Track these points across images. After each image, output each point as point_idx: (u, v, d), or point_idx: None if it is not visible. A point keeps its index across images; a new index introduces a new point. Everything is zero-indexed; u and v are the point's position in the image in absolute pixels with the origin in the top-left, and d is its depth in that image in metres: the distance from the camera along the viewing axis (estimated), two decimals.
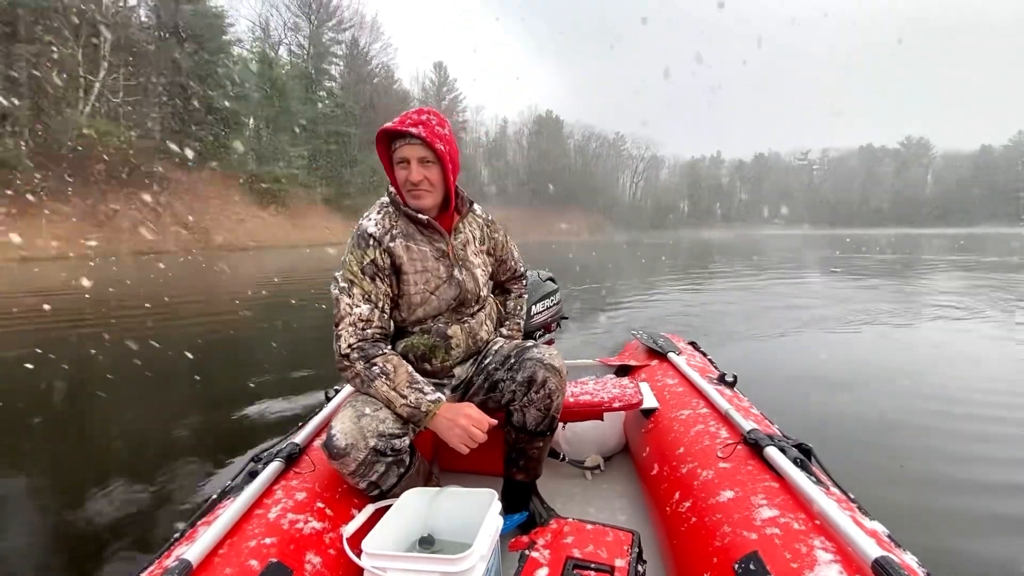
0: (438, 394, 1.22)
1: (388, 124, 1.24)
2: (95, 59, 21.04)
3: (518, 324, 1.63)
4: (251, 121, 29.07)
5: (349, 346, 1.21)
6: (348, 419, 1.14)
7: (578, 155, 71.91)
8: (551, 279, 2.36)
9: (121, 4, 22.26)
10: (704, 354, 2.23)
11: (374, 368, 1.20)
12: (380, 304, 1.26)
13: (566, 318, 2.52)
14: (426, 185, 1.26)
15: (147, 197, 20.90)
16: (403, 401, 1.17)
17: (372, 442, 1.13)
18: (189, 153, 23.44)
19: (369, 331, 1.23)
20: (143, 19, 24.35)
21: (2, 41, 17.95)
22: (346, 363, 1.22)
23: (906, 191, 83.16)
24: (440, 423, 1.19)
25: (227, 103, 26.33)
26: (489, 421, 1.22)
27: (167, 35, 23.92)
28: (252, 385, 3.47)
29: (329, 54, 39.44)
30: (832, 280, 11.27)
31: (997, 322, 5.76)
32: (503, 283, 1.63)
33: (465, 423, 1.18)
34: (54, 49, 18.93)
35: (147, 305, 7.23)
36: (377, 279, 1.26)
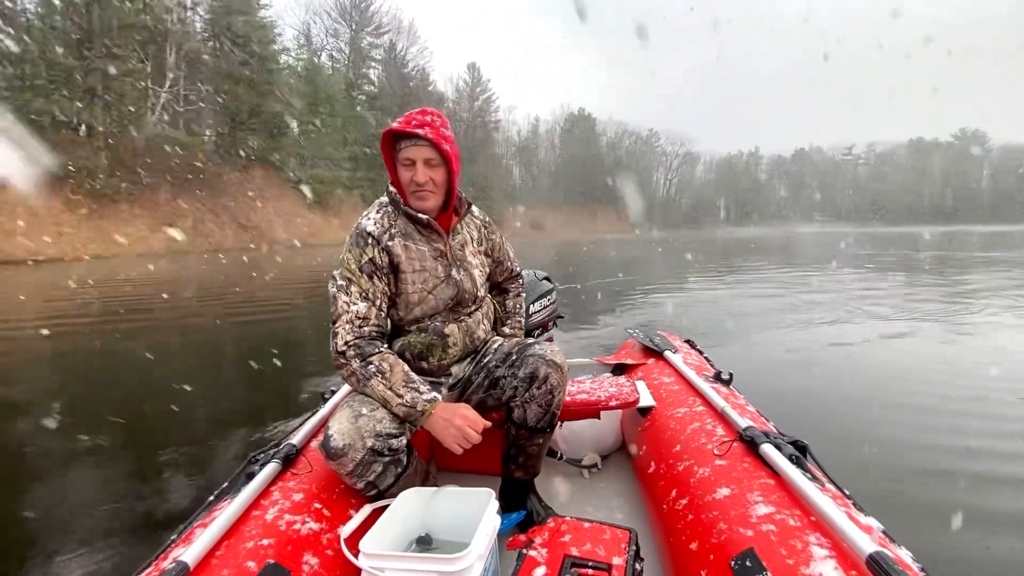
0: (434, 393, 1.22)
1: (394, 125, 1.24)
2: (162, 71, 23.03)
3: (519, 322, 1.63)
4: (297, 125, 30.09)
5: (346, 343, 1.21)
6: (345, 419, 1.14)
7: (610, 152, 71.12)
8: (547, 279, 2.36)
9: (183, 20, 24.12)
10: (700, 352, 2.24)
11: (370, 367, 1.19)
12: (377, 302, 1.26)
13: (562, 317, 2.53)
14: (431, 186, 1.27)
15: (208, 198, 22.83)
16: (399, 400, 1.17)
17: (369, 442, 1.12)
18: (242, 157, 25.81)
19: (366, 329, 1.23)
20: (199, 31, 26.08)
21: (81, 58, 19.66)
22: (342, 361, 1.22)
23: (960, 186, 77.98)
24: (436, 423, 1.19)
25: (276, 108, 28.09)
26: (484, 423, 1.22)
27: (221, 46, 25.59)
28: None
29: (368, 58, 40.74)
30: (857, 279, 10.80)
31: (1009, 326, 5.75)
32: (500, 283, 1.64)
33: (460, 423, 1.18)
34: (129, 63, 21.18)
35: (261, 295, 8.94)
36: (375, 277, 1.26)
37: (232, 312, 7.47)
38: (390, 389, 1.18)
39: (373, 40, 41.32)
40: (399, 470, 1.21)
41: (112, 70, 20.36)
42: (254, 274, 12.88)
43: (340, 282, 1.25)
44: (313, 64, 35.54)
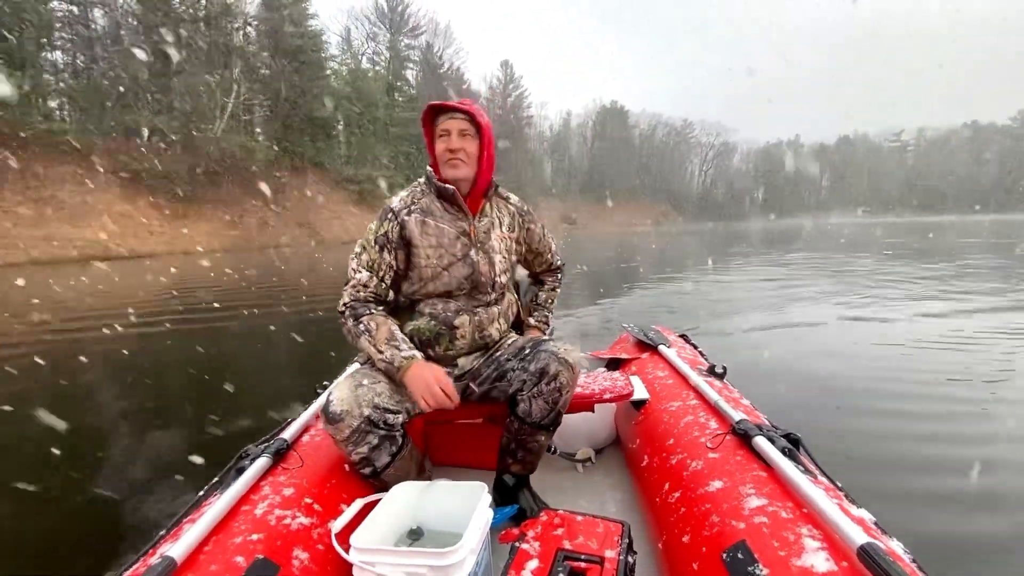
0: (414, 352, 1.28)
1: (434, 102, 1.36)
2: (227, 83, 25.60)
3: (546, 316, 1.67)
4: (344, 128, 32.20)
5: (344, 304, 1.34)
6: (346, 388, 1.21)
7: (644, 144, 70.11)
8: (560, 268, 2.36)
9: (247, 35, 27.09)
10: (695, 346, 2.24)
11: (360, 325, 1.29)
12: (381, 273, 1.35)
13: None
14: (463, 155, 1.34)
15: (269, 199, 25.06)
16: (380, 356, 1.26)
17: (366, 411, 1.18)
18: (296, 159, 28.33)
19: (362, 294, 1.34)
20: (255, 44, 28.46)
21: (160, 75, 22.53)
22: (341, 320, 1.34)
23: (1020, 172, 72.32)
24: (411, 377, 1.24)
25: (325, 114, 30.02)
26: (454, 396, 1.24)
27: (276, 57, 27.84)
28: None
29: (405, 60, 42.18)
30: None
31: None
32: (539, 274, 1.69)
33: (431, 380, 1.22)
34: (201, 78, 23.72)
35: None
36: (385, 251, 1.35)
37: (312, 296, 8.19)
38: (374, 346, 1.27)
39: (409, 42, 43.00)
40: (394, 449, 1.24)
41: (187, 85, 23.19)
42: (325, 264, 14.62)
43: (357, 249, 1.38)
44: (358, 69, 37.83)
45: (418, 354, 1.28)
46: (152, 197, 20.95)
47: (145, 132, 21.48)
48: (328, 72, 32.41)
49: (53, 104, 20.48)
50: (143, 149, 21.31)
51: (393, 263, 1.36)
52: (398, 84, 40.22)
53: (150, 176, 20.91)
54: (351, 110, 32.58)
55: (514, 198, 1.53)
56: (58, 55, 21.40)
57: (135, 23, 23.02)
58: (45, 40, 20.33)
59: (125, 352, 4.69)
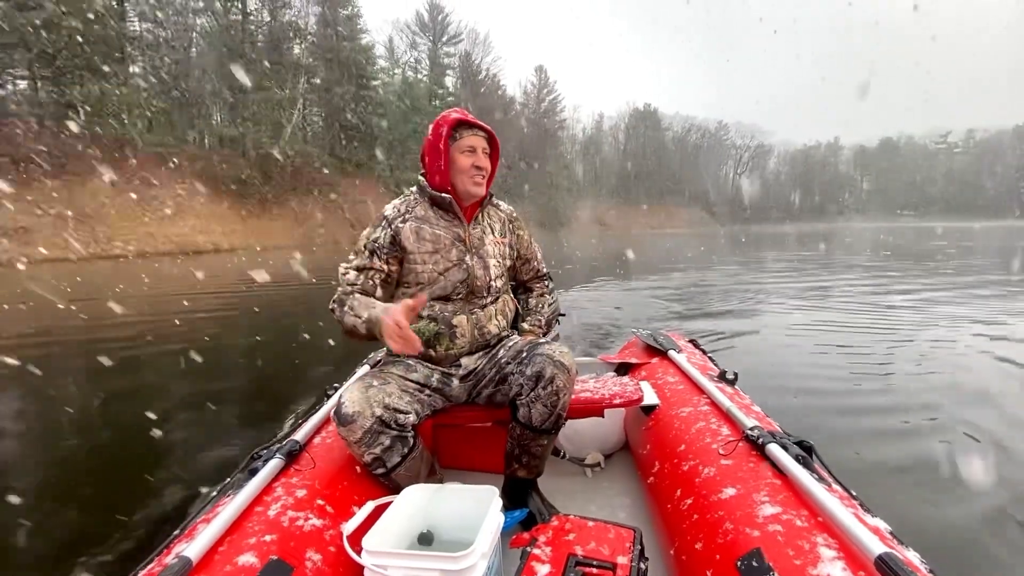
0: (387, 305, 1.27)
1: (457, 115, 1.41)
2: (293, 97, 29.01)
3: (539, 320, 1.67)
4: (388, 135, 33.75)
5: (334, 301, 1.39)
6: (356, 390, 1.24)
7: (677, 147, 69.54)
8: (547, 276, 2.35)
9: (312, 52, 30.26)
10: (704, 352, 2.23)
11: (344, 307, 1.34)
12: (369, 274, 1.40)
13: (563, 315, 2.52)
14: (485, 173, 1.43)
15: (328, 201, 27.91)
16: (361, 320, 1.28)
17: (378, 412, 1.20)
18: (347, 166, 30.89)
19: (349, 289, 1.39)
20: (313, 58, 31.58)
21: (239, 92, 25.91)
22: (333, 315, 1.39)
23: None
24: (382, 326, 1.22)
25: (375, 122, 32.67)
26: (412, 338, 1.18)
27: (332, 71, 30.73)
28: None
29: (445, 67, 43.82)
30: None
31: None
32: (526, 282, 1.70)
33: (390, 321, 1.18)
34: (272, 92, 27.16)
35: None
36: (375, 256, 1.40)
37: None
38: (355, 315, 1.30)
39: (448, 50, 44.29)
40: (405, 450, 1.25)
41: (260, 99, 26.60)
42: None
43: (350, 256, 1.43)
44: (404, 79, 39.73)
45: (391, 306, 1.25)
46: (231, 200, 23.99)
47: (223, 143, 25.46)
48: (376, 83, 34.95)
49: (147, 117, 23.50)
50: (222, 158, 24.91)
51: (384, 267, 1.40)
52: (439, 92, 41.80)
53: (230, 182, 24.13)
54: (397, 119, 34.32)
55: (504, 205, 1.58)
56: (144, 71, 24.41)
57: (215, 44, 26.45)
58: (139, 57, 23.97)
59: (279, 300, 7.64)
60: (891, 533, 0.93)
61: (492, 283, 1.47)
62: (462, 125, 1.41)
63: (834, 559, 0.82)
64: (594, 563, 0.99)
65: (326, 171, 28.61)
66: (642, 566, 1.01)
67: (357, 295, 1.36)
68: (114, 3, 22.31)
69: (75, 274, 11.58)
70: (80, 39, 19.37)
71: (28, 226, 16.15)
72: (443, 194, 1.40)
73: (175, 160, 22.22)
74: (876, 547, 0.79)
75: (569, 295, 7.69)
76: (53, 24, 18.57)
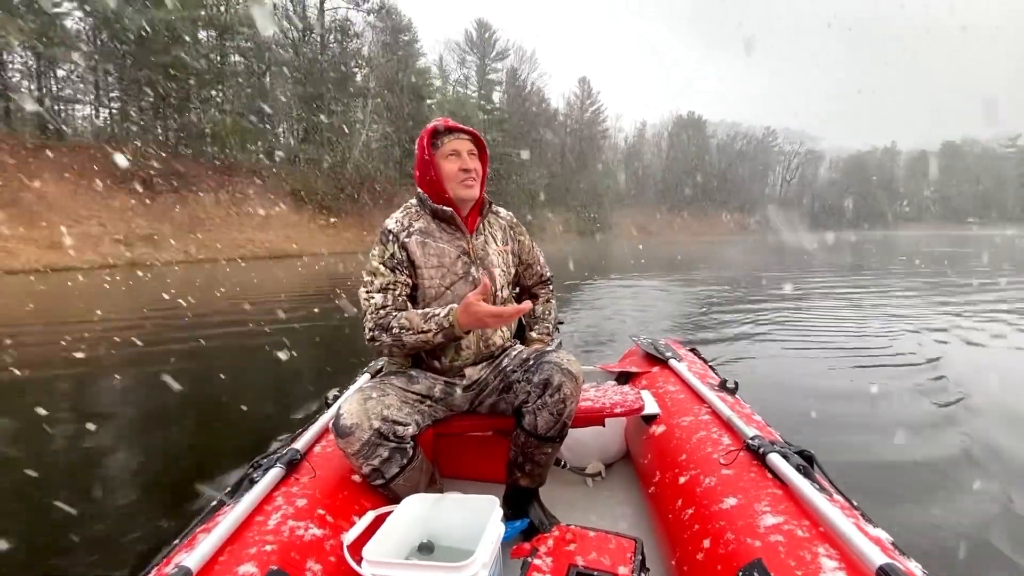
0: (450, 306, 1.31)
1: (438, 123, 1.40)
2: (364, 116, 32.22)
3: (547, 328, 1.66)
4: None
5: (370, 330, 1.34)
6: (355, 401, 1.23)
7: (722, 154, 67.71)
8: (550, 280, 2.36)
9: (378, 76, 33.19)
10: (705, 360, 2.23)
11: (394, 330, 1.31)
12: (396, 291, 1.37)
13: (562, 323, 2.53)
14: (475, 175, 1.40)
15: (391, 210, 28.36)
16: (430, 335, 1.29)
17: (376, 424, 1.20)
18: (406, 180, 32.90)
19: (383, 312, 1.35)
20: (377, 86, 34.26)
21: (314, 112, 29.16)
22: (375, 344, 1.35)
23: None
24: (464, 322, 1.27)
25: None
26: (501, 310, 1.26)
27: (394, 93, 33.72)
28: None
29: (493, 83, 45.58)
30: None
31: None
32: (530, 287, 1.69)
33: (475, 311, 1.24)
34: (343, 114, 30.48)
35: None
36: (396, 271, 1.38)
37: None
38: (419, 333, 1.29)
39: (495, 66, 46.17)
40: (404, 461, 1.25)
41: (333, 122, 29.68)
42: None
43: (365, 279, 1.38)
44: (456, 95, 41.70)
45: (453, 304, 1.31)
46: (312, 210, 27.07)
47: (303, 161, 28.88)
48: (431, 101, 37.43)
49: (242, 140, 26.91)
50: (302, 174, 28.26)
51: (409, 280, 1.38)
52: (487, 107, 43.11)
53: (309, 193, 27.22)
54: None
55: (503, 212, 1.57)
56: (237, 98, 27.65)
57: (297, 77, 29.76)
58: (234, 86, 27.46)
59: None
60: (893, 544, 0.92)
61: (498, 293, 1.46)
62: (441, 131, 1.40)
63: (835, 569, 0.82)
64: (595, 574, 0.99)
65: (389, 183, 31.82)
66: None
67: (395, 314, 1.33)
68: (213, 40, 26.30)
69: (198, 274, 13.94)
70: (189, 74, 23.47)
71: (153, 233, 19.72)
72: (444, 207, 1.39)
73: (264, 176, 25.90)
74: (878, 558, 0.79)
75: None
76: (173, 64, 22.59)
